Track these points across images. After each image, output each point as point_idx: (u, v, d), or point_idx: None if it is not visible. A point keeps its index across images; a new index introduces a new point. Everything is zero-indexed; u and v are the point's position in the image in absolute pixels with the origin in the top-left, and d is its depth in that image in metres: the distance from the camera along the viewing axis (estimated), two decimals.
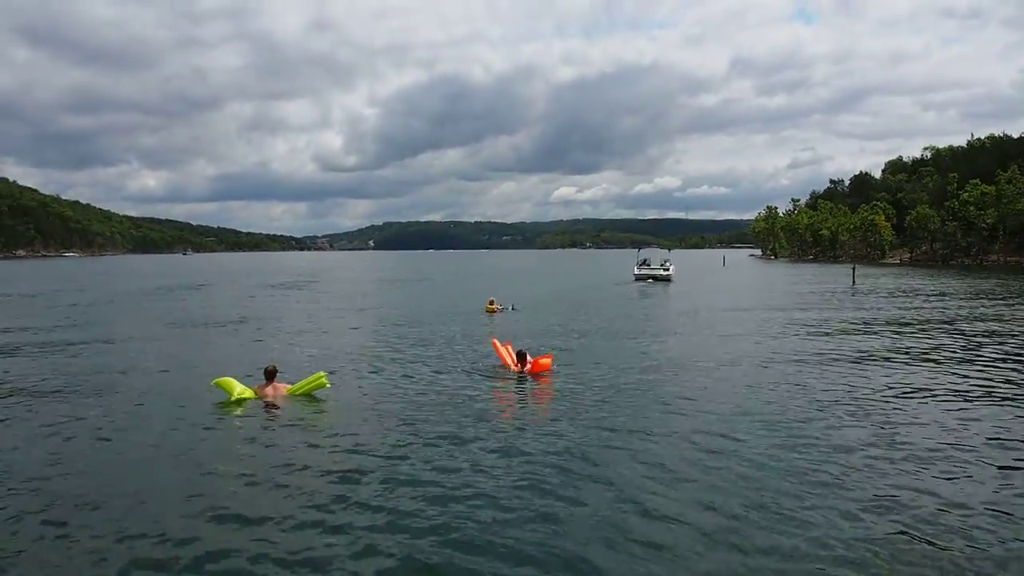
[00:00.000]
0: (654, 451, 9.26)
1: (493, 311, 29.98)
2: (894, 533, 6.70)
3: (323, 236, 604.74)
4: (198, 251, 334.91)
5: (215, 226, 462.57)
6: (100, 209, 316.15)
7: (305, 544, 6.56)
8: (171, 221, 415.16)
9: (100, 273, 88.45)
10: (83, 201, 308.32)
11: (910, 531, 6.74)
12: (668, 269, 58.11)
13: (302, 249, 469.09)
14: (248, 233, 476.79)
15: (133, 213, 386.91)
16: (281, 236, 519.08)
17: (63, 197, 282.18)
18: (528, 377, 14.72)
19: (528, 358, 15.28)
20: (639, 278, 56.91)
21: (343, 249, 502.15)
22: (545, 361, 15.26)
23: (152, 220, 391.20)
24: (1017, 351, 18.24)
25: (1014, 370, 15.40)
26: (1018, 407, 11.91)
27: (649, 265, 60.33)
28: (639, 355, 17.70)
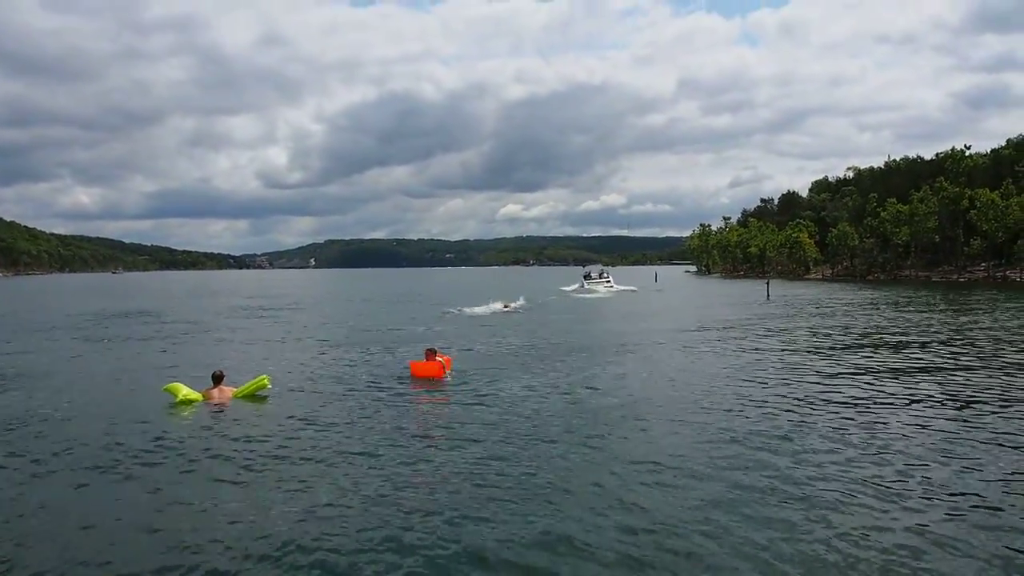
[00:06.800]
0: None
1: (509, 310, 39.42)
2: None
3: (263, 254, 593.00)
4: (129, 270, 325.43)
5: (149, 244, 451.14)
6: (26, 227, 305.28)
7: (241, 536, 7.02)
8: (102, 239, 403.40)
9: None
10: (7, 218, 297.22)
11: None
12: (609, 282, 73.10)
13: (240, 267, 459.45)
14: (184, 251, 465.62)
15: (63, 231, 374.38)
16: (218, 254, 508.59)
17: None
18: (449, 387, 15.36)
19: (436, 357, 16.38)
20: (583, 290, 68.33)
21: (283, 268, 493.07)
22: (430, 365, 16.09)
23: (82, 238, 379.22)
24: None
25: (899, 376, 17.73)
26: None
27: (591, 278, 75.24)
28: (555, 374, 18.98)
